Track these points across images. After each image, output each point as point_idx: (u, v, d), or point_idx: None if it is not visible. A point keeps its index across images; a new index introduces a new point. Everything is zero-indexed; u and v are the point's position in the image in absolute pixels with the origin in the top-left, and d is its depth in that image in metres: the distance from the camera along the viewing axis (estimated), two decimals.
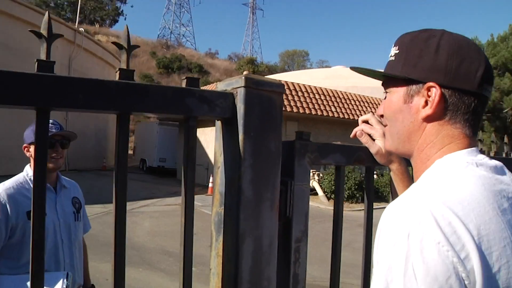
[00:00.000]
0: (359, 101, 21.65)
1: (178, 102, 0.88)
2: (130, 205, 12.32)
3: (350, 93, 22.28)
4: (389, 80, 0.96)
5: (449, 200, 0.74)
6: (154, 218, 10.92)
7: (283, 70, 74.14)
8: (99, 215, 10.60)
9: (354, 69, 1.06)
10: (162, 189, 17.11)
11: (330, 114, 19.50)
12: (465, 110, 0.87)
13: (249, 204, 0.94)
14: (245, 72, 17.69)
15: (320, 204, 14.79)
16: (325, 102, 19.72)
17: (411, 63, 0.89)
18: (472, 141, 0.89)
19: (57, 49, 20.43)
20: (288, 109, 17.83)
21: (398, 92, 0.93)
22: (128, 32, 0.86)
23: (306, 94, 19.29)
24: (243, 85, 0.93)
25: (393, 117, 0.95)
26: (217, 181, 1.00)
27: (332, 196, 15.45)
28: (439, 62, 0.86)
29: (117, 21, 79.38)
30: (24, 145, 2.26)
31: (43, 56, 0.76)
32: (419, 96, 0.89)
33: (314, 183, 16.40)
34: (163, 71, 63.49)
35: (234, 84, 0.96)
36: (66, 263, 2.32)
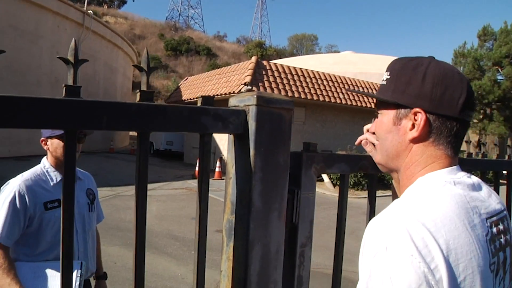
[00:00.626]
0: (367, 88, 21.57)
1: (194, 121, 0.94)
2: None
3: (358, 79, 22.21)
4: (380, 103, 1.05)
5: (423, 217, 0.83)
6: (161, 202, 11.07)
7: (292, 54, 73.77)
8: (107, 198, 10.77)
9: (351, 91, 1.18)
10: (169, 172, 17.27)
11: (338, 101, 19.47)
12: (447, 134, 0.97)
13: (259, 214, 1.01)
14: (253, 57, 17.56)
15: (325, 190, 14.89)
16: (333, 89, 19.68)
17: (400, 89, 0.98)
18: (453, 160, 0.99)
19: (65, 31, 20.46)
20: (296, 95, 17.82)
21: (388, 115, 1.02)
22: (148, 55, 0.93)
23: (314, 80, 19.26)
24: (254, 103, 1.00)
25: (383, 136, 1.05)
26: (229, 190, 1.07)
27: (338, 183, 15.54)
28: (425, 90, 0.95)
29: (125, 2, 79.11)
30: (42, 138, 2.35)
31: (70, 81, 0.83)
32: (407, 119, 0.98)
33: None
34: (171, 53, 63.40)
35: (246, 102, 1.02)
36: (80, 252, 2.42)
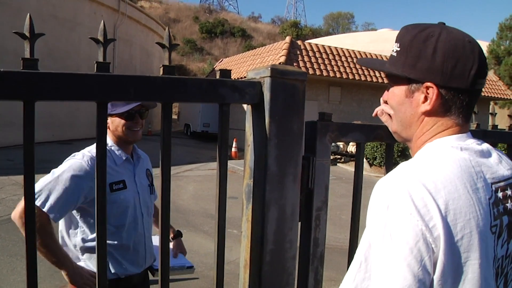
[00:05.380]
0: None
1: (212, 92, 1.03)
2: (175, 170, 12.77)
3: None
4: (392, 75, 1.07)
5: (424, 178, 0.88)
6: (198, 182, 11.33)
7: (328, 33, 72.58)
8: None
9: (360, 62, 1.20)
10: (205, 153, 17.55)
11: (374, 80, 19.18)
12: (459, 105, 0.99)
13: (274, 178, 1.10)
14: (287, 37, 17.47)
15: None
16: None
17: (411, 63, 1.00)
18: (463, 128, 1.02)
19: (102, 18, 20.91)
20: (331, 74, 17.68)
21: (400, 87, 1.04)
22: (169, 33, 1.02)
23: (349, 59, 19.01)
24: (269, 75, 1.07)
25: (396, 107, 1.08)
26: (248, 157, 1.16)
27: (374, 162, 15.43)
28: (436, 64, 0.96)
29: None
30: None
31: (100, 58, 0.93)
32: (419, 93, 1.00)
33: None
34: (206, 35, 63.57)
35: (262, 74, 1.10)
36: (146, 237, 2.33)
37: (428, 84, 0.97)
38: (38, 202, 1.97)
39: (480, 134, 1.83)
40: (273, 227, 1.11)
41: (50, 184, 2.01)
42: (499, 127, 2.04)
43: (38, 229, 1.92)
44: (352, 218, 1.40)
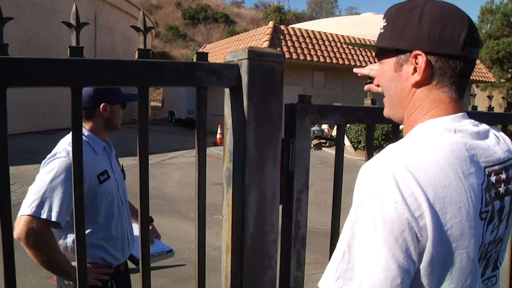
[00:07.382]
0: None
1: (189, 75, 1.02)
2: (160, 157, 12.73)
3: None
4: (380, 52, 1.03)
5: (413, 164, 0.84)
6: (183, 169, 11.30)
7: (311, 18, 72.37)
8: (130, 167, 11.00)
9: (348, 44, 1.19)
10: (190, 140, 17.48)
11: (358, 64, 19.21)
12: (451, 74, 0.94)
13: (253, 161, 1.10)
14: (270, 22, 17.38)
15: (346, 154, 14.88)
16: (353, 51, 19.40)
17: (397, 34, 0.96)
18: (457, 104, 0.97)
19: (82, 5, 20.51)
20: (315, 59, 17.66)
21: (389, 62, 1.00)
22: (144, 16, 1.00)
23: (333, 43, 19.01)
24: (246, 57, 1.06)
25: (386, 86, 1.03)
26: (227, 140, 1.15)
27: (358, 146, 15.54)
28: (423, 31, 0.92)
29: None
30: (103, 103, 2.16)
31: (73, 43, 0.91)
32: (408, 64, 0.96)
33: None
34: (188, 22, 62.95)
35: (239, 56, 1.09)
36: (128, 224, 2.30)
37: (417, 52, 0.93)
38: (43, 215, 1.86)
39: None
40: (254, 211, 1.11)
41: (47, 192, 1.90)
42: (479, 108, 2.06)
43: (46, 247, 1.88)
44: (333, 201, 1.41)
